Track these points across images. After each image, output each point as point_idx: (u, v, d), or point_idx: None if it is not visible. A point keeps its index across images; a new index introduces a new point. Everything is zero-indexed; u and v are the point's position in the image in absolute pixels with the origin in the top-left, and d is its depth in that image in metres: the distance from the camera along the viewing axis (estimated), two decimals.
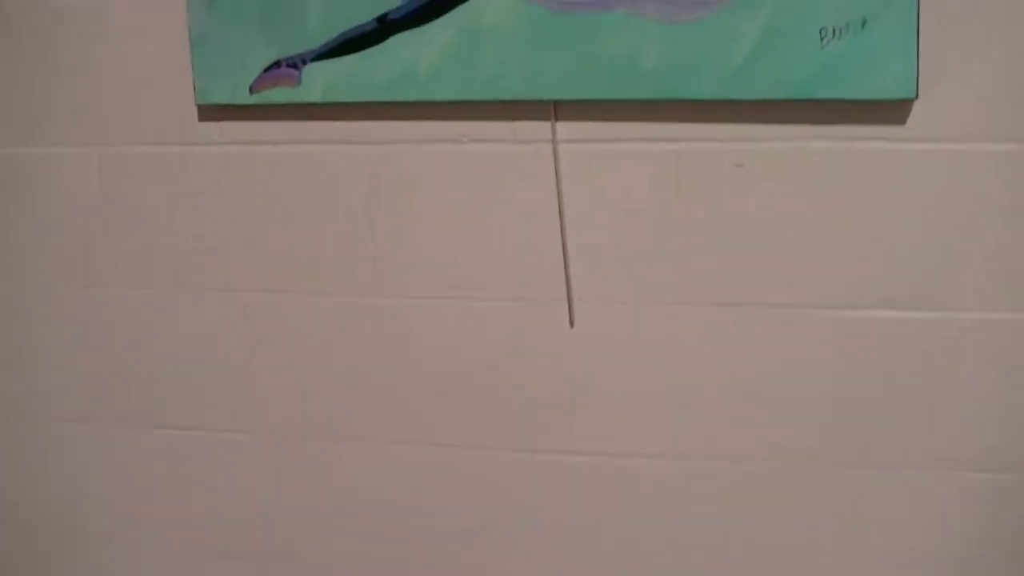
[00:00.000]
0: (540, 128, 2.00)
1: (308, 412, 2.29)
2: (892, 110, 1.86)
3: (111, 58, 2.18)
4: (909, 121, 1.87)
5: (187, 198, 2.22)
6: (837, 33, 1.78)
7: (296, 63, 1.99)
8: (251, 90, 2.05)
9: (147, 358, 2.35)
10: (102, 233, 2.28)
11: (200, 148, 2.18)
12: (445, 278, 2.13)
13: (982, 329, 1.93)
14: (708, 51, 1.86)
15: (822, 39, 1.79)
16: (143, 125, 2.19)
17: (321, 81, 2.02)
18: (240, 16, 2.03)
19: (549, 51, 1.92)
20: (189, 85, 2.11)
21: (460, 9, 1.94)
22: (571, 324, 2.05)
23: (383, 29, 1.96)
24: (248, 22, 2.02)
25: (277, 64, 2.03)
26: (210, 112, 2.13)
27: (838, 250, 1.96)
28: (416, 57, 1.97)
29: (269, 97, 2.05)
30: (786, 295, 2.00)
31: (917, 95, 1.80)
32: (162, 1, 2.09)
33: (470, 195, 2.07)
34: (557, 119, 1.99)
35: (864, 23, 1.77)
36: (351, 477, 2.30)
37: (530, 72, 1.94)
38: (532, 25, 1.91)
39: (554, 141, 2.00)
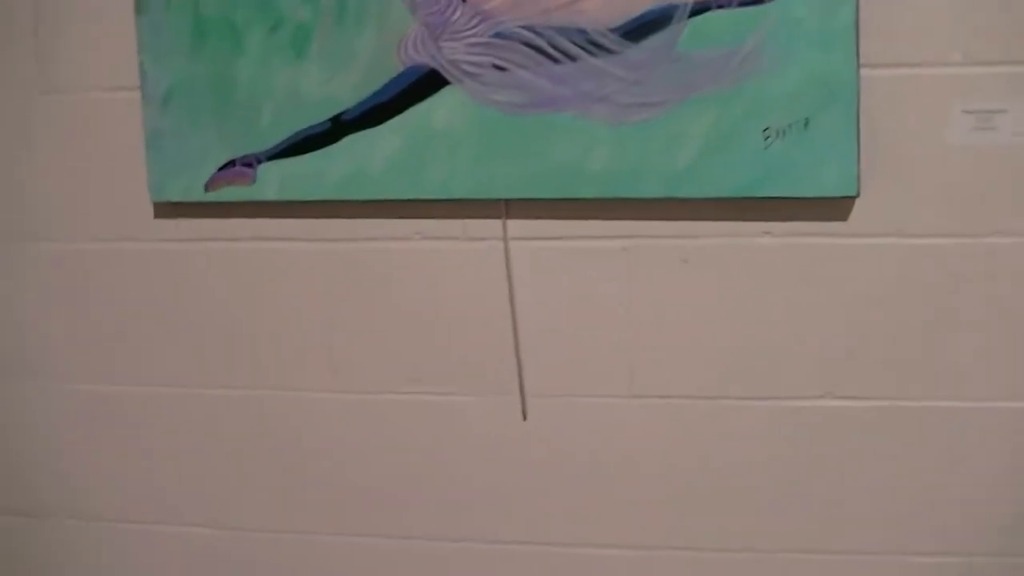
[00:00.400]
0: (492, 226, 2.00)
1: (265, 505, 2.24)
2: (834, 207, 1.88)
3: (67, 156, 2.16)
4: (851, 217, 1.89)
5: (142, 293, 2.18)
6: (781, 133, 1.80)
7: (251, 162, 1.98)
8: (206, 188, 2.03)
9: (97, 452, 2.29)
10: (55, 327, 2.23)
11: (155, 244, 2.14)
12: (400, 373, 2.11)
13: (928, 416, 1.95)
14: (655, 151, 1.88)
15: (766, 139, 1.81)
16: (99, 221, 2.16)
17: (276, 179, 2.00)
18: (194, 116, 2.01)
19: (500, 152, 1.92)
20: (145, 183, 2.08)
21: (412, 110, 1.94)
22: (524, 417, 2.02)
23: (337, 129, 1.96)
24: (202, 122, 2.01)
25: (232, 163, 2.00)
26: (166, 209, 2.11)
27: (783, 342, 1.97)
28: (369, 157, 1.97)
29: (224, 195, 2.03)
30: (734, 387, 2.00)
31: (858, 192, 1.82)
32: (118, 100, 2.09)
33: (423, 292, 2.06)
34: (508, 217, 1.99)
35: (807, 124, 1.79)
36: (310, 569, 2.23)
37: (481, 172, 1.94)
38: (483, 127, 1.92)
39: (505, 239, 2.00)
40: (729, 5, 1.79)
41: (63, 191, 2.16)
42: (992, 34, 1.81)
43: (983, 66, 1.83)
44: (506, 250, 1.99)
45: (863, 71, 1.81)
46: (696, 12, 1.82)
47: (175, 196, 2.06)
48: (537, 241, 2.00)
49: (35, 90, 2.13)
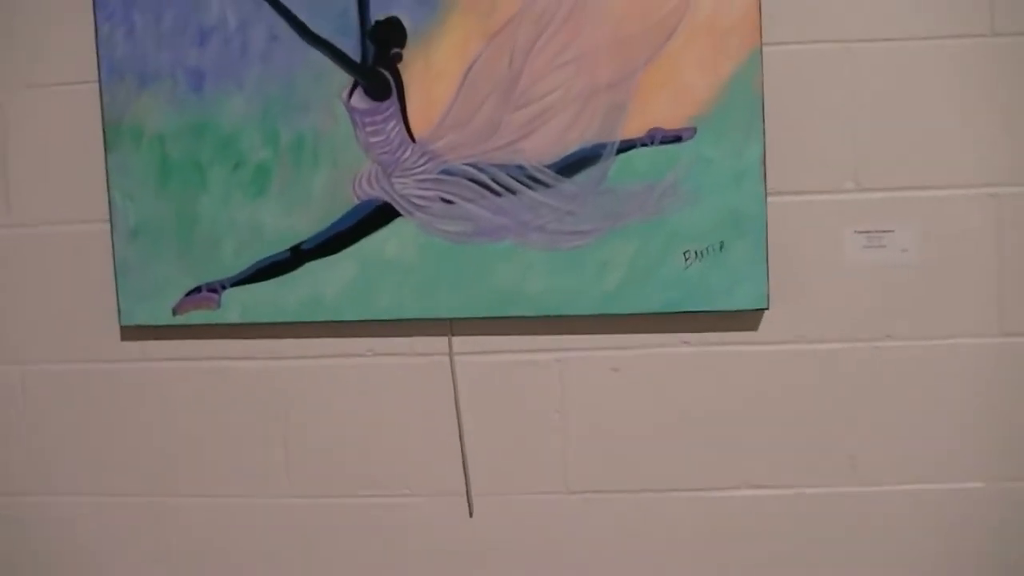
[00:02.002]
0: (438, 343, 2.00)
1: None
2: (746, 319, 1.93)
3: (37, 281, 2.12)
4: (760, 327, 1.94)
5: (109, 410, 2.13)
6: (699, 255, 1.84)
7: (216, 288, 1.95)
8: (174, 312, 2.00)
9: (66, 563, 2.20)
10: (25, 444, 2.16)
11: (122, 365, 2.10)
12: (353, 479, 2.08)
13: (831, 501, 2.00)
14: (586, 274, 1.90)
15: (686, 261, 1.85)
16: (67, 344, 2.11)
17: (239, 304, 1.98)
18: (162, 247, 1.99)
19: (446, 276, 1.93)
20: (113, 307, 2.05)
21: (366, 240, 1.94)
22: (470, 515, 2.02)
23: (296, 258, 1.95)
24: (169, 252, 1.99)
25: (198, 289, 1.97)
26: (132, 332, 2.06)
27: (702, 438, 2.01)
28: (326, 282, 1.96)
29: (190, 319, 2.00)
30: (659, 481, 2.03)
31: (767, 305, 1.86)
32: (88, 232, 2.07)
33: (375, 403, 2.04)
34: (453, 335, 1.99)
35: (722, 247, 1.84)
36: None
37: (428, 295, 1.94)
38: (431, 254, 1.93)
39: (451, 354, 2.00)
40: (651, 144, 1.82)
41: (33, 316, 2.11)
42: (880, 165, 1.90)
43: (872, 192, 1.91)
44: (451, 364, 1.99)
45: (770, 199, 1.86)
46: (622, 150, 1.85)
47: (143, 320, 2.01)
48: (479, 356, 2.00)
49: (3, 223, 2.07)
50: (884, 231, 1.92)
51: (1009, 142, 1.86)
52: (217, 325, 2.00)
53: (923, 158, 1.89)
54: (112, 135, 1.97)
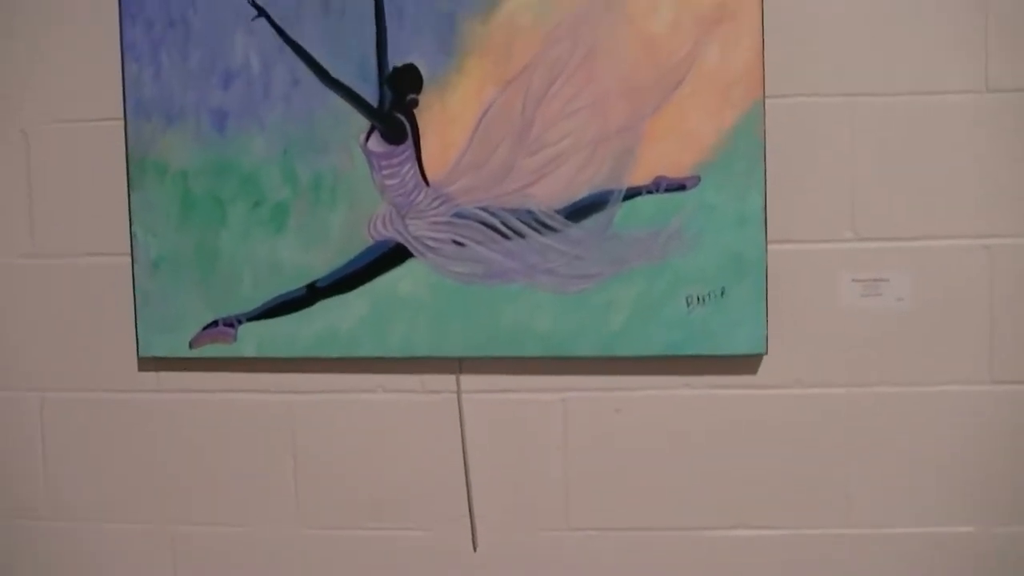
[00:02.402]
0: (447, 380, 2.02)
1: None
2: (745, 363, 1.94)
3: (58, 311, 2.14)
4: (759, 371, 1.95)
5: (125, 438, 2.14)
6: (701, 300, 1.86)
7: (232, 322, 1.97)
8: (191, 345, 2.01)
9: None
10: (42, 470, 2.17)
11: (138, 395, 2.10)
12: (361, 511, 2.09)
13: (827, 543, 2.01)
14: (592, 316, 1.91)
15: (688, 306, 1.87)
16: (85, 373, 2.12)
17: (255, 338, 1.99)
18: (181, 281, 2.00)
19: (456, 316, 1.94)
20: (131, 338, 2.06)
21: (379, 279, 1.95)
22: (474, 548, 2.03)
23: (311, 295, 1.96)
24: (188, 286, 2.00)
25: (215, 323, 1.99)
26: (149, 363, 2.07)
27: (701, 479, 2.01)
28: (340, 319, 1.97)
29: (207, 351, 2.01)
30: (658, 519, 2.04)
31: (766, 350, 1.88)
32: (109, 264, 2.09)
33: (384, 438, 2.05)
34: (461, 373, 2.00)
35: (723, 292, 1.86)
36: None
37: (439, 334, 1.95)
38: (442, 294, 1.94)
39: (458, 392, 2.01)
40: (656, 191, 1.84)
41: (53, 345, 2.12)
42: (877, 215, 1.92)
43: (869, 241, 1.93)
44: (459, 401, 2.01)
45: (770, 246, 1.88)
46: (628, 196, 1.86)
47: (161, 352, 2.02)
48: (486, 394, 2.01)
49: (27, 253, 2.09)
50: (880, 279, 1.94)
51: (1002, 195, 1.89)
52: (232, 359, 2.00)
53: (919, 209, 1.91)
54: (136, 171, 1.98)
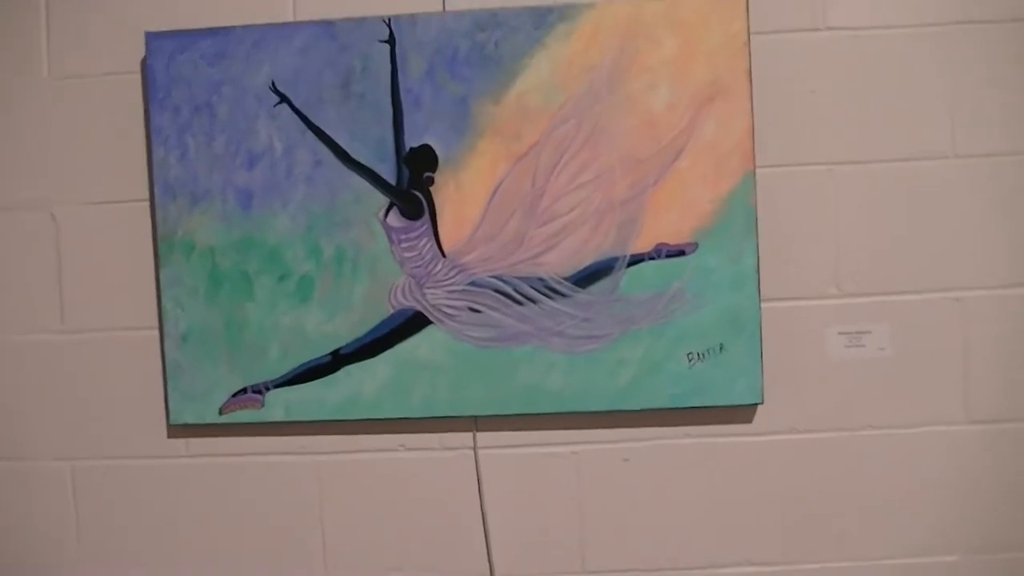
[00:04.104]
0: (464, 438, 2.06)
1: None
2: (742, 413, 2.01)
3: (88, 383, 2.14)
4: (755, 420, 2.02)
5: (155, 505, 2.14)
6: (701, 357, 1.92)
7: (260, 389, 2.00)
8: (220, 411, 2.03)
9: None
10: (75, 538, 2.17)
11: (168, 461, 2.12)
12: (386, 564, 2.11)
13: None
14: (601, 374, 1.97)
15: (690, 361, 1.93)
16: (114, 441, 2.13)
17: (282, 404, 2.02)
18: (210, 351, 2.02)
19: (472, 378, 1.98)
20: (159, 406, 2.08)
21: (400, 346, 1.99)
22: None
23: (336, 362, 1.99)
24: (217, 356, 2.02)
25: (244, 390, 2.01)
26: (179, 430, 2.09)
27: (705, 520, 2.07)
28: (363, 384, 2.01)
29: (236, 417, 2.03)
30: (667, 559, 2.08)
31: (762, 400, 1.94)
32: (137, 337, 2.12)
33: (406, 494, 2.08)
34: (478, 430, 2.05)
35: (722, 348, 1.92)
36: None
37: (456, 394, 1.99)
38: (459, 358, 1.98)
39: (475, 448, 2.06)
40: (658, 257, 1.91)
41: (83, 416, 2.14)
42: (859, 273, 2.01)
43: (852, 297, 2.01)
44: (476, 458, 2.05)
45: (763, 304, 1.95)
46: (632, 263, 1.93)
47: (191, 419, 2.04)
48: (502, 449, 2.06)
49: (56, 330, 2.10)
50: (863, 332, 2.02)
51: (970, 251, 1.99)
52: (261, 423, 2.02)
53: (897, 266, 2.00)
54: (165, 248, 2.00)
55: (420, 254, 1.90)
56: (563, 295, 1.90)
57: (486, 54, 1.91)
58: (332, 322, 1.98)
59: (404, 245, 1.90)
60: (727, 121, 1.87)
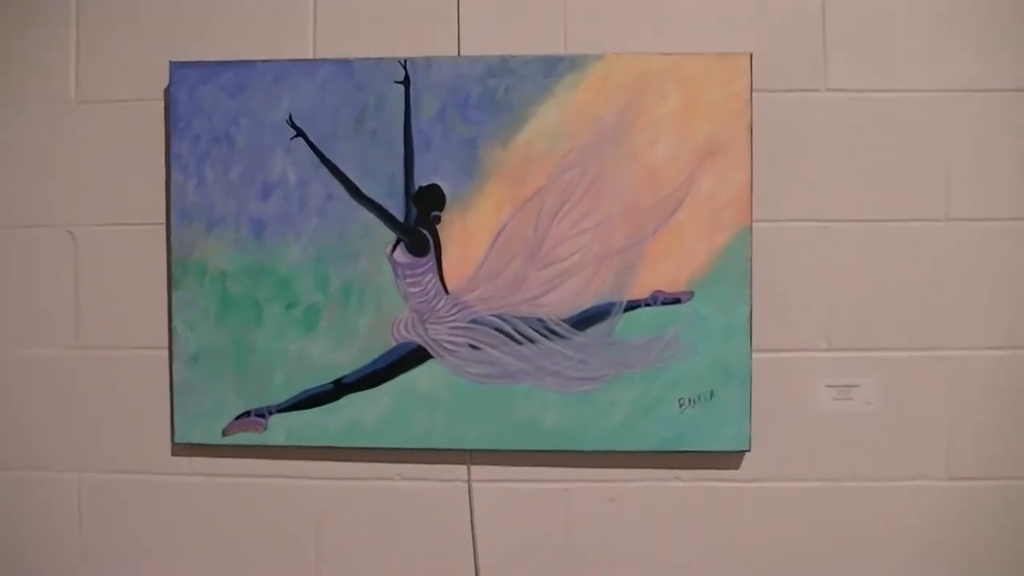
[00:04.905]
0: (459, 471, 2.09)
1: None
2: (730, 458, 2.04)
3: (99, 398, 2.18)
4: (742, 466, 2.06)
5: (158, 519, 2.18)
6: (692, 402, 1.96)
7: (264, 413, 2.04)
8: (223, 433, 2.07)
9: None
10: (79, 546, 2.20)
11: (171, 478, 2.15)
12: None
13: None
14: (594, 415, 2.00)
15: (681, 406, 1.97)
16: (121, 455, 2.17)
17: (284, 429, 2.06)
18: (217, 374, 2.06)
19: (470, 412, 2.02)
20: (165, 425, 2.12)
21: (401, 378, 2.03)
22: None
23: (338, 390, 2.03)
24: (224, 378, 2.06)
25: (247, 413, 2.05)
26: (183, 448, 2.12)
27: (689, 562, 2.11)
28: (363, 413, 2.04)
29: (238, 439, 2.07)
30: None
31: (750, 447, 1.99)
32: (147, 357, 2.15)
33: (400, 522, 2.11)
34: (472, 464, 2.08)
35: (712, 395, 1.96)
36: None
37: (453, 428, 2.03)
38: (457, 393, 2.02)
39: (469, 481, 2.09)
40: (654, 304, 1.95)
41: (92, 429, 2.17)
42: (849, 328, 2.05)
43: (842, 351, 2.04)
44: (469, 490, 2.09)
45: (755, 355, 1.99)
46: (629, 308, 1.97)
47: (195, 439, 2.07)
48: (495, 483, 2.09)
49: (72, 345, 2.14)
50: (851, 385, 2.06)
51: (958, 312, 2.03)
52: (262, 446, 2.06)
53: (886, 324, 2.04)
54: (178, 271, 2.04)
55: (424, 290, 1.94)
56: (561, 336, 1.93)
57: (496, 99, 1.94)
58: (336, 351, 2.01)
59: (409, 280, 1.94)
60: (726, 175, 1.92)
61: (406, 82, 1.95)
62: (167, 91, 2.05)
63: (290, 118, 1.97)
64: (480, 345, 1.93)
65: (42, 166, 2.11)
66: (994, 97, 1.95)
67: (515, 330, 1.92)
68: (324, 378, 2.01)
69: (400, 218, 1.94)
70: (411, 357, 1.96)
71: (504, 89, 1.93)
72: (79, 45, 2.09)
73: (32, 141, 2.11)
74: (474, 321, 1.94)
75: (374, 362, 1.99)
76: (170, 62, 2.04)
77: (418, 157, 1.95)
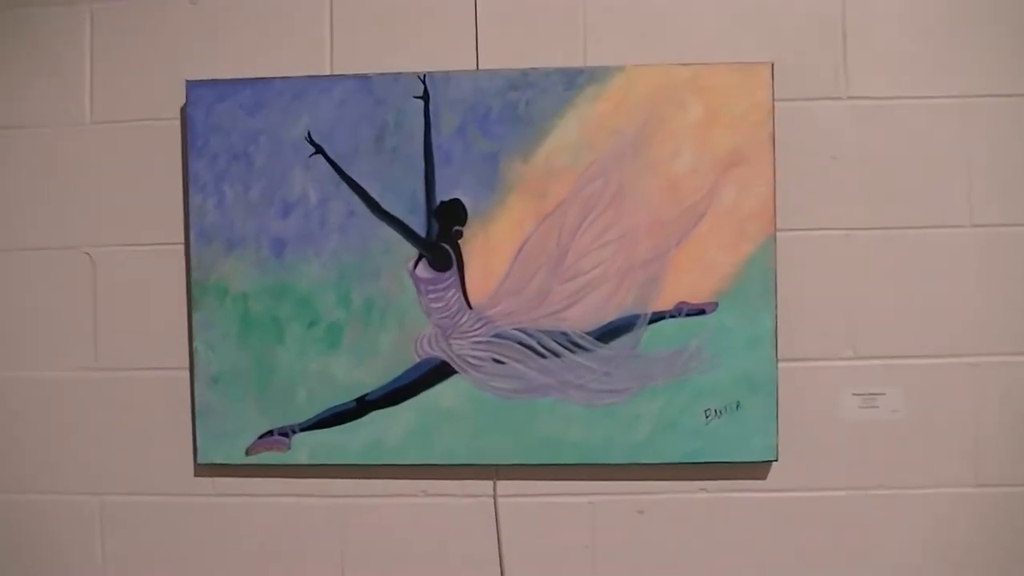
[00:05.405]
0: (484, 486, 2.08)
1: None
2: (757, 469, 2.02)
3: (118, 420, 2.16)
4: (769, 477, 2.03)
5: (180, 541, 2.16)
6: (718, 413, 1.95)
7: (287, 432, 2.02)
8: (247, 452, 2.05)
9: None
10: (102, 570, 2.18)
11: (195, 499, 2.13)
12: None
13: None
14: (619, 428, 1.99)
15: (707, 418, 1.95)
16: (143, 477, 2.15)
17: (307, 447, 2.04)
18: (239, 394, 2.04)
19: (494, 427, 2.00)
20: (187, 445, 2.10)
21: (424, 394, 2.01)
22: None
23: (361, 408, 2.01)
24: (246, 399, 2.04)
25: (270, 432, 2.03)
26: (206, 469, 2.10)
27: (718, 574, 2.09)
28: (387, 430, 2.02)
29: (262, 459, 2.05)
30: None
31: (776, 457, 1.96)
32: (168, 377, 2.13)
33: (426, 539, 2.09)
34: (498, 479, 2.06)
35: (738, 406, 1.94)
36: None
37: (478, 443, 2.01)
38: (481, 408, 2.00)
39: (495, 496, 2.07)
40: (678, 315, 1.94)
41: (113, 452, 2.16)
42: (875, 336, 2.03)
43: (867, 360, 2.03)
44: (495, 505, 2.06)
45: (780, 364, 1.97)
46: (653, 320, 1.96)
47: (218, 459, 2.06)
48: (521, 498, 2.07)
49: (90, 367, 2.12)
50: (877, 393, 2.04)
51: (984, 318, 2.01)
52: (286, 465, 2.04)
53: (911, 331, 2.02)
54: (199, 292, 2.03)
55: (447, 305, 1.92)
56: (585, 349, 1.92)
57: (517, 113, 1.93)
58: (359, 369, 2.00)
59: (432, 296, 1.92)
60: (749, 186, 1.91)
61: (425, 97, 1.93)
62: (183, 110, 2.04)
63: (309, 135, 1.95)
64: (504, 359, 1.91)
65: (58, 188, 2.10)
66: (1015, 102, 1.97)
67: (539, 344, 1.91)
68: (347, 396, 2.00)
69: (422, 233, 1.94)
70: (435, 373, 1.94)
71: (525, 103, 1.92)
72: (93, 65, 2.08)
73: (48, 162, 2.10)
74: (497, 335, 1.92)
75: (397, 379, 1.98)
76: (186, 81, 2.02)
77: (439, 172, 1.94)
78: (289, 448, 1.98)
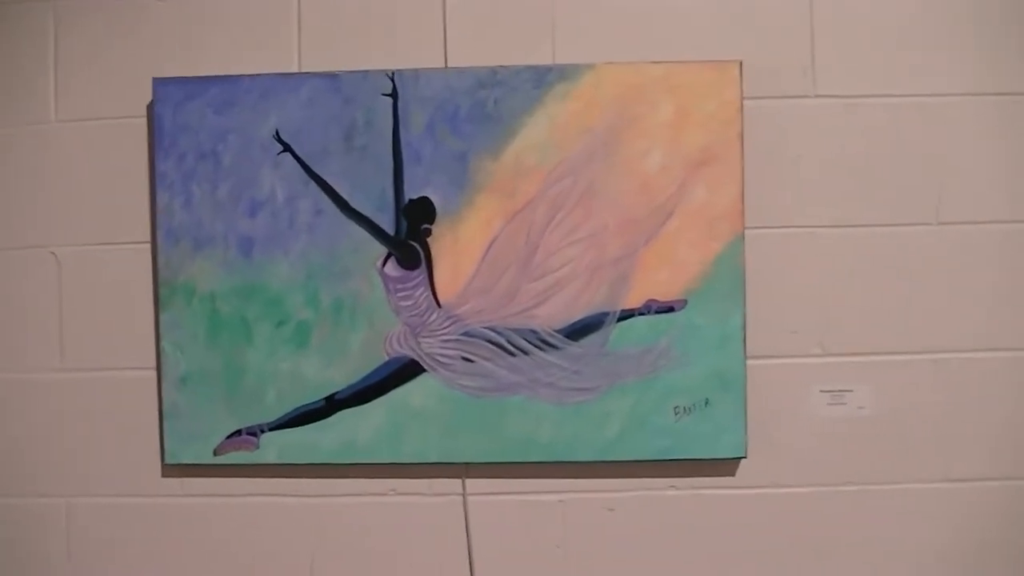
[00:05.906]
0: (454, 484, 2.07)
1: None
2: (726, 466, 2.03)
3: (85, 421, 2.15)
4: (738, 473, 2.05)
5: (148, 543, 2.15)
6: (687, 411, 1.95)
7: (255, 431, 2.01)
8: (215, 452, 2.03)
9: None
10: (68, 572, 2.14)
11: (162, 500, 2.12)
12: None
13: None
14: (589, 426, 1.99)
15: (676, 415, 1.95)
16: (110, 478, 2.13)
17: (276, 447, 2.03)
18: (207, 394, 2.03)
19: (464, 426, 2.00)
20: (154, 446, 2.09)
21: (394, 393, 2.01)
22: None
23: (330, 407, 2.00)
24: (214, 399, 2.03)
25: (238, 432, 2.02)
26: (173, 469, 2.08)
27: (686, 571, 2.10)
28: (356, 429, 2.01)
29: (230, 459, 2.04)
30: None
31: (745, 454, 1.97)
32: (135, 378, 2.12)
33: (395, 538, 2.09)
34: (467, 477, 2.06)
35: (707, 403, 1.94)
36: None
37: (447, 442, 2.01)
38: (451, 406, 2.00)
39: (464, 494, 2.07)
40: (648, 313, 1.94)
41: (79, 453, 2.14)
42: (842, 333, 2.05)
43: (835, 356, 2.04)
44: (464, 504, 2.06)
45: (749, 361, 1.98)
46: (622, 318, 1.96)
47: (187, 459, 2.04)
48: (490, 496, 2.07)
49: (56, 368, 2.10)
50: (845, 390, 2.05)
51: (952, 315, 2.03)
52: (254, 465, 2.03)
53: (878, 328, 2.03)
54: (166, 292, 2.01)
55: (416, 303, 1.91)
56: (554, 347, 1.92)
57: (486, 111, 1.93)
58: (328, 368, 1.99)
59: (401, 294, 1.92)
60: (718, 184, 1.91)
61: (394, 95, 1.92)
62: (150, 108, 2.01)
63: (277, 134, 1.93)
64: (473, 358, 1.91)
65: (23, 186, 2.08)
66: (983, 101, 1.97)
67: (508, 342, 1.91)
68: (316, 395, 1.99)
69: (391, 232, 1.93)
70: (404, 371, 1.94)
71: (494, 101, 1.91)
72: (58, 62, 2.05)
73: (12, 161, 2.08)
74: (467, 334, 1.92)
75: (366, 377, 1.97)
76: (153, 79, 2.00)
77: (408, 170, 1.93)
78: (258, 447, 1.98)
